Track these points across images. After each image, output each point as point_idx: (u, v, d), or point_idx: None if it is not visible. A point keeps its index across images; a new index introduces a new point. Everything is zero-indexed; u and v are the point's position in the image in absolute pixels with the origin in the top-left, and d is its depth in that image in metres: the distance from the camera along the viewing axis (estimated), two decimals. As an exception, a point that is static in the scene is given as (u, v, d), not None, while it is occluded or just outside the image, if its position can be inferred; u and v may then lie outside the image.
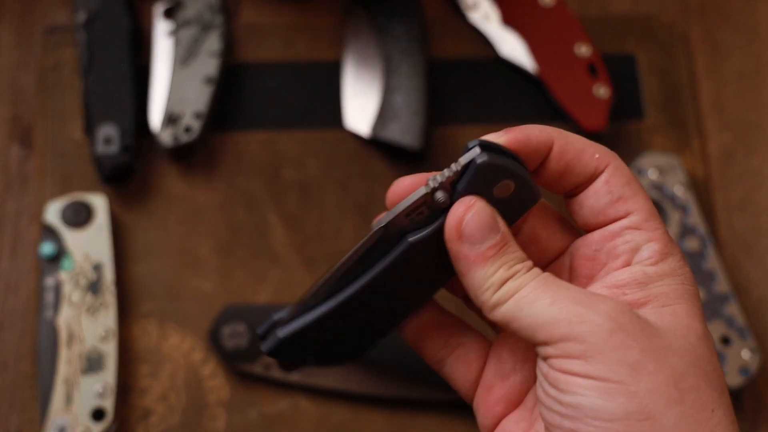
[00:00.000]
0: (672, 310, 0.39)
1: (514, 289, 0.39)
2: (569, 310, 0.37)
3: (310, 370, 0.66)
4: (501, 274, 0.39)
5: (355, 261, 0.40)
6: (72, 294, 0.66)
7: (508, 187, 0.40)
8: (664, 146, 0.75)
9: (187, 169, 0.72)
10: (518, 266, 0.39)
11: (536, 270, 0.40)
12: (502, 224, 0.40)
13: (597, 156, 0.41)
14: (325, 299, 0.42)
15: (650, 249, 0.40)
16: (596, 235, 0.42)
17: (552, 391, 0.38)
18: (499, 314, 0.39)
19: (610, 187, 0.41)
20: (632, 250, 0.40)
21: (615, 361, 0.36)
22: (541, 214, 0.44)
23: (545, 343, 0.37)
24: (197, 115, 0.71)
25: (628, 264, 0.40)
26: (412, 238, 0.40)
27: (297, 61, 0.76)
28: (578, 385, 0.36)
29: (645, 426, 0.35)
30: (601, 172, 0.41)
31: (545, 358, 0.38)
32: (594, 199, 0.41)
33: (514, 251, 0.40)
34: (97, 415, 0.63)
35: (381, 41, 0.74)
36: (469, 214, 0.39)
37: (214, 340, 0.67)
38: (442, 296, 0.46)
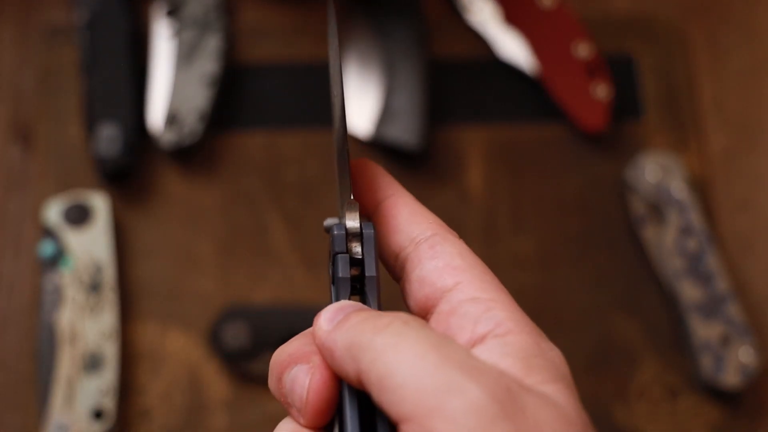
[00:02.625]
0: (556, 392, 0.29)
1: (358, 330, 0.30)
2: (443, 374, 0.27)
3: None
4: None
5: None
6: (72, 294, 0.66)
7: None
8: (664, 146, 0.75)
9: (188, 169, 0.72)
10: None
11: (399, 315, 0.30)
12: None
13: (430, 222, 0.34)
14: None
15: (495, 318, 0.31)
16: (432, 320, 0.32)
17: None
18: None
19: (435, 252, 0.33)
20: (473, 323, 0.31)
21: None
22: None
23: (402, 420, 0.27)
24: (198, 116, 0.71)
25: (477, 341, 0.30)
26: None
27: (297, 61, 0.76)
28: None
29: None
30: (428, 237, 0.34)
31: None
32: (419, 268, 0.33)
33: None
34: (98, 414, 0.63)
35: (381, 41, 0.74)
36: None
37: (214, 340, 0.67)
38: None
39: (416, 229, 0.34)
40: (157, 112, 0.71)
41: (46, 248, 0.67)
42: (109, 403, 0.64)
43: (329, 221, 0.36)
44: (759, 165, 0.75)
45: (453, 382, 0.27)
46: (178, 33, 0.73)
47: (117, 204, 0.71)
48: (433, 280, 0.32)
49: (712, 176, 0.75)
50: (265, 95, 0.75)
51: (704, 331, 0.68)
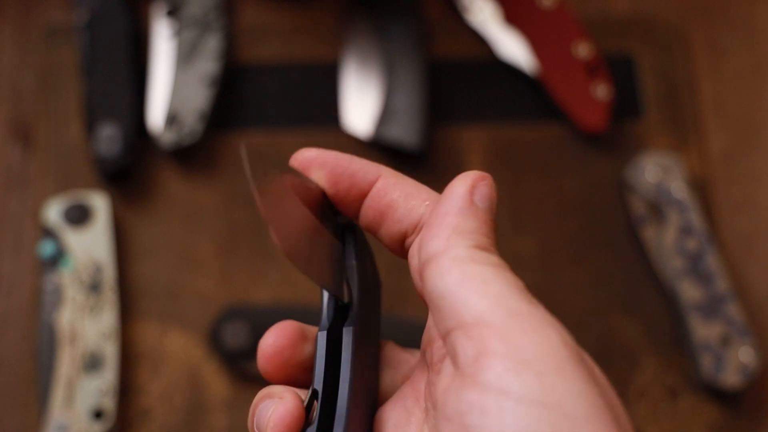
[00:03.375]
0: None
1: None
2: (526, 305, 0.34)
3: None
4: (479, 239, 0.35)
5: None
6: (73, 294, 0.66)
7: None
8: (664, 146, 0.75)
9: (188, 169, 0.72)
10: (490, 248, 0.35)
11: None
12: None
13: (427, 203, 0.35)
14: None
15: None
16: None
17: (468, 369, 0.31)
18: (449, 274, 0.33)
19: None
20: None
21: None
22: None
23: (461, 325, 0.32)
24: (198, 116, 0.71)
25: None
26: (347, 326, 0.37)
27: (297, 61, 0.76)
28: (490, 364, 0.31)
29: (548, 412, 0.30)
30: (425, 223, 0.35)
31: (456, 331, 0.32)
32: (415, 259, 0.35)
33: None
34: (98, 414, 0.63)
35: (381, 41, 0.74)
36: (483, 181, 0.35)
37: (214, 340, 0.67)
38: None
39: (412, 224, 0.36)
40: (157, 112, 0.71)
41: (46, 248, 0.67)
42: (109, 403, 0.64)
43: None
44: (759, 165, 0.75)
45: (536, 314, 0.35)
46: (178, 33, 0.73)
47: (117, 204, 0.71)
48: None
49: (712, 176, 0.75)
50: (265, 95, 0.75)
51: (704, 331, 0.68)
